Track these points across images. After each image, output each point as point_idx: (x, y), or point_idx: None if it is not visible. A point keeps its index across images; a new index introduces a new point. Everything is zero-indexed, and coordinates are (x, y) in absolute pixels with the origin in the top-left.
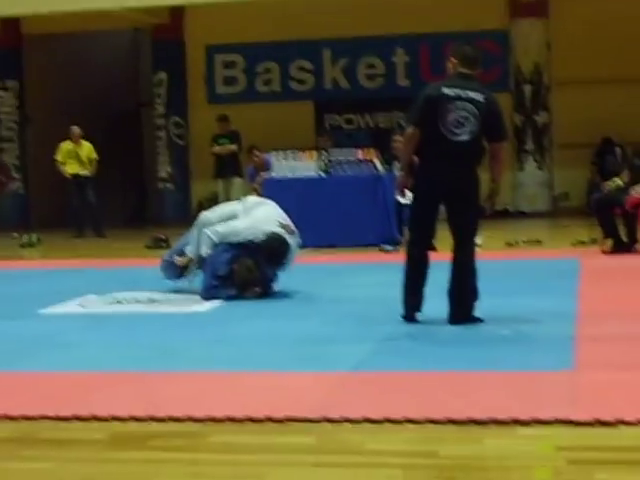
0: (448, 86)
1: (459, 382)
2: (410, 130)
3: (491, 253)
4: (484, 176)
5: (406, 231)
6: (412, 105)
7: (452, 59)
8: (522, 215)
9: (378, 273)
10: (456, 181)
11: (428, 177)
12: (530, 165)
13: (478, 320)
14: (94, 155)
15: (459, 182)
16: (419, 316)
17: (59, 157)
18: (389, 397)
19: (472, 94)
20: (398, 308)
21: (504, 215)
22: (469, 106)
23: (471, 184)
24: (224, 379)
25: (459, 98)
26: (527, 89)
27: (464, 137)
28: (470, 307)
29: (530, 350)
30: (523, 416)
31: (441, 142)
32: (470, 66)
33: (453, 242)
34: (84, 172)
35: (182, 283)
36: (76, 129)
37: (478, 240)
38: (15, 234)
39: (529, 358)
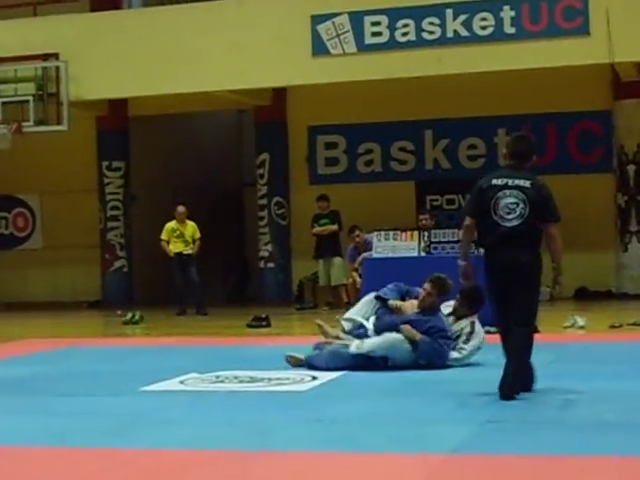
0: (497, 177)
1: (563, 466)
2: (467, 221)
3: (595, 335)
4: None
5: None
6: (468, 197)
7: (504, 152)
8: (626, 297)
9: (482, 354)
10: (514, 265)
11: (492, 264)
12: (634, 246)
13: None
14: (198, 234)
15: (517, 265)
16: (524, 395)
17: (164, 236)
18: None
19: (518, 181)
20: None
21: (608, 297)
22: (516, 192)
23: (528, 267)
24: (323, 460)
25: (506, 186)
26: (631, 169)
27: (514, 222)
28: (519, 385)
29: (636, 434)
30: None
31: (496, 229)
32: (519, 160)
33: (511, 323)
34: (187, 251)
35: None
36: (182, 208)
37: (581, 322)
38: (119, 312)
39: (635, 442)
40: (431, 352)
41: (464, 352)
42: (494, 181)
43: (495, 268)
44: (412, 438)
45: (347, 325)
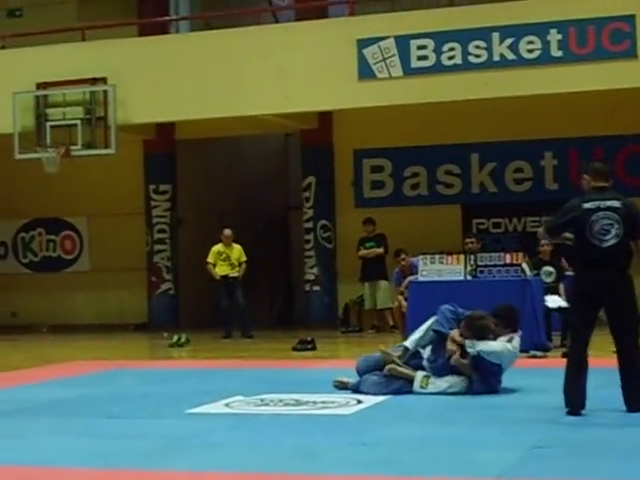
0: (587, 201)
1: None
2: (541, 231)
3: None
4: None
5: (555, 336)
6: (556, 214)
7: (585, 176)
8: None
9: (527, 379)
10: (610, 285)
11: (582, 285)
12: None
13: None
14: (244, 257)
15: (613, 286)
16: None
17: (210, 259)
18: None
19: (609, 203)
20: (549, 413)
21: None
22: (610, 214)
23: (624, 285)
24: None
25: (599, 209)
26: None
27: (612, 242)
28: None
29: None
30: None
31: (592, 250)
32: (603, 179)
33: (615, 342)
34: (233, 274)
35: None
36: (228, 231)
37: None
38: (165, 334)
39: None
40: (484, 390)
41: (514, 344)
42: (585, 205)
43: (589, 287)
44: (458, 463)
45: (400, 350)
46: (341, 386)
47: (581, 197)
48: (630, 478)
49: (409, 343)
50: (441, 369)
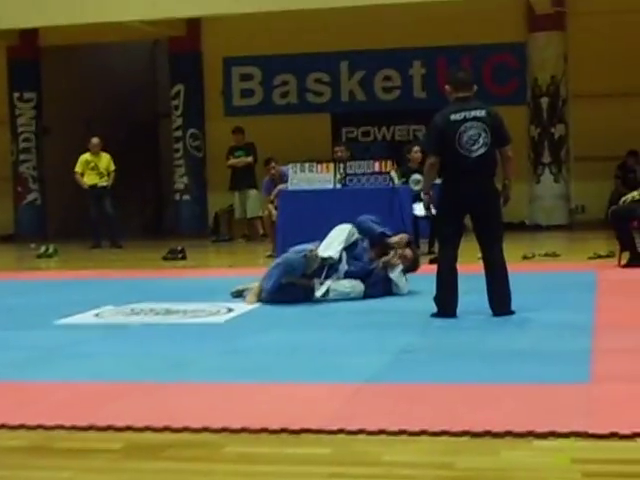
0: (453, 112)
1: (475, 394)
2: (432, 160)
3: (508, 266)
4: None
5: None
6: (426, 135)
7: (447, 87)
8: (539, 228)
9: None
10: (479, 194)
11: (452, 195)
12: (547, 178)
13: (513, 312)
14: (113, 166)
15: (482, 194)
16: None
17: (78, 168)
18: (405, 409)
19: (475, 112)
20: (418, 318)
21: (521, 228)
22: (477, 124)
23: (492, 194)
24: (239, 390)
25: (465, 120)
26: (544, 102)
27: (480, 151)
28: (510, 301)
29: (547, 363)
30: (539, 428)
31: (461, 161)
32: (465, 89)
33: (482, 248)
34: (102, 183)
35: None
36: (96, 140)
37: None
38: (32, 245)
39: (546, 371)
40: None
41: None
42: (452, 117)
43: (460, 196)
44: (327, 368)
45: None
46: (237, 295)
47: (446, 109)
48: (493, 381)
49: (333, 253)
50: (352, 274)
